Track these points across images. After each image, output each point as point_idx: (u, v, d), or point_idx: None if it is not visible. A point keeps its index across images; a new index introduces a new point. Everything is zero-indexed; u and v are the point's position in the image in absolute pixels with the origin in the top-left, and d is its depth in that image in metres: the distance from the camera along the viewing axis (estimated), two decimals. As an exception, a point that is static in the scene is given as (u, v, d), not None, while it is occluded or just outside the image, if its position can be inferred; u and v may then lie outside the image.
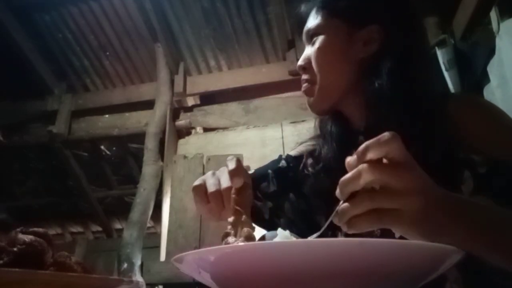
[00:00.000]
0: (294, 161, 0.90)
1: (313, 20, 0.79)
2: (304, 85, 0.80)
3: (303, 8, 0.84)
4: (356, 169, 0.44)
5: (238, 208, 0.58)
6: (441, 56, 2.34)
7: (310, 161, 0.86)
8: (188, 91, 3.54)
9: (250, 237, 0.53)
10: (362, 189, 0.44)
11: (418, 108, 0.68)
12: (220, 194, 0.64)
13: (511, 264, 0.49)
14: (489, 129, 0.65)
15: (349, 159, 0.46)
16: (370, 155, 0.44)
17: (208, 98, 3.65)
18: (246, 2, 3.14)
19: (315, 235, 0.52)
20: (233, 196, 0.61)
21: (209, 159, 3.21)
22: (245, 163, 3.13)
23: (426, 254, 0.41)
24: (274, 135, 3.27)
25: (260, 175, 0.89)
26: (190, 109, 3.63)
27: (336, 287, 0.40)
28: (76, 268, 0.52)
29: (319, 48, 0.77)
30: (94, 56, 3.61)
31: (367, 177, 0.43)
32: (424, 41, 0.81)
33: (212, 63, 3.52)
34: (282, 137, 3.23)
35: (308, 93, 0.80)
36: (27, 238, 0.50)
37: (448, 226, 0.45)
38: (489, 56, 2.06)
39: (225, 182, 0.64)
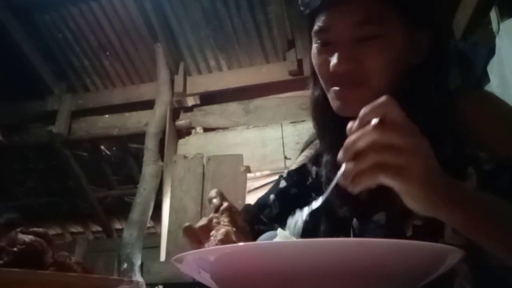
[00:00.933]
0: (297, 174, 0.88)
1: (364, 13, 0.65)
2: (346, 86, 0.68)
3: None
4: (360, 131, 0.46)
5: (224, 206, 0.63)
6: (441, 56, 2.33)
7: (314, 168, 0.86)
8: (188, 91, 3.53)
9: (227, 237, 0.58)
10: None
11: (434, 106, 0.68)
12: (208, 226, 0.65)
13: (506, 253, 0.51)
14: (499, 126, 0.65)
15: (351, 125, 0.47)
16: (371, 116, 0.45)
17: (208, 98, 3.65)
18: (246, 2, 3.14)
19: (316, 203, 0.54)
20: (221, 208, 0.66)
21: (209, 159, 3.21)
22: (245, 163, 3.13)
23: (426, 254, 0.41)
24: (274, 135, 3.27)
25: (262, 203, 0.90)
26: (190, 109, 3.62)
27: (336, 287, 0.40)
28: (76, 268, 0.52)
29: (380, 53, 0.66)
30: (94, 56, 3.61)
31: (370, 137, 0.45)
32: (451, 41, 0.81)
33: (212, 63, 3.52)
34: (282, 137, 3.23)
35: (349, 95, 0.69)
36: (27, 238, 0.50)
37: (446, 200, 0.47)
38: (489, 56, 2.06)
39: (211, 212, 0.68)
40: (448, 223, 0.50)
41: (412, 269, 0.41)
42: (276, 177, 0.96)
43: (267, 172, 3.38)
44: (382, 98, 0.46)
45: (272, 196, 0.89)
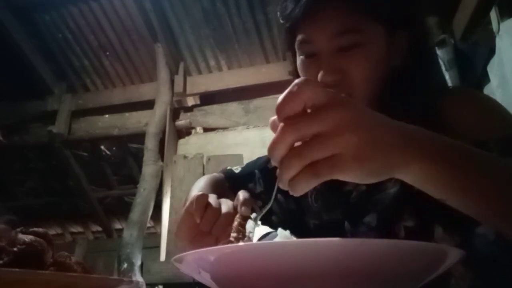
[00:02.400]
0: None
1: (343, 22, 0.65)
2: None
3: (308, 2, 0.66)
4: (277, 131, 0.40)
5: (241, 229, 0.54)
6: (441, 56, 2.34)
7: None
8: (188, 91, 3.54)
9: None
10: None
11: (416, 106, 0.68)
12: (217, 213, 0.56)
13: (473, 210, 0.45)
14: (475, 117, 0.64)
15: (272, 119, 0.42)
16: (288, 111, 0.39)
17: (208, 98, 3.65)
18: (246, 2, 3.14)
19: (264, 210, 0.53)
20: (239, 220, 0.55)
21: (209, 159, 3.21)
22: (245, 163, 3.13)
23: (426, 254, 0.41)
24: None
25: (247, 175, 0.89)
26: (190, 109, 3.63)
27: (336, 287, 0.40)
28: (76, 268, 0.52)
29: (363, 60, 0.65)
30: (94, 56, 3.62)
31: (289, 137, 0.39)
32: (430, 40, 0.81)
33: (212, 63, 3.52)
34: (282, 137, 3.23)
35: None
36: (27, 238, 0.50)
37: (398, 156, 0.40)
38: (489, 56, 2.06)
39: (227, 208, 0.57)
40: (408, 181, 0.42)
41: (412, 269, 0.41)
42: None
43: (267, 172, 3.37)
44: (296, 82, 0.39)
45: (257, 172, 0.88)
